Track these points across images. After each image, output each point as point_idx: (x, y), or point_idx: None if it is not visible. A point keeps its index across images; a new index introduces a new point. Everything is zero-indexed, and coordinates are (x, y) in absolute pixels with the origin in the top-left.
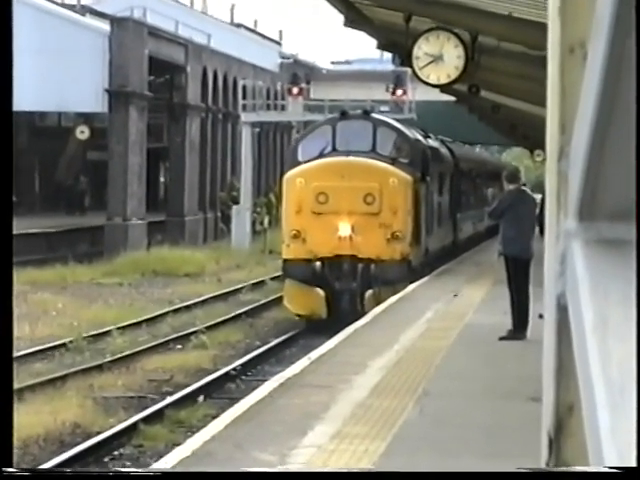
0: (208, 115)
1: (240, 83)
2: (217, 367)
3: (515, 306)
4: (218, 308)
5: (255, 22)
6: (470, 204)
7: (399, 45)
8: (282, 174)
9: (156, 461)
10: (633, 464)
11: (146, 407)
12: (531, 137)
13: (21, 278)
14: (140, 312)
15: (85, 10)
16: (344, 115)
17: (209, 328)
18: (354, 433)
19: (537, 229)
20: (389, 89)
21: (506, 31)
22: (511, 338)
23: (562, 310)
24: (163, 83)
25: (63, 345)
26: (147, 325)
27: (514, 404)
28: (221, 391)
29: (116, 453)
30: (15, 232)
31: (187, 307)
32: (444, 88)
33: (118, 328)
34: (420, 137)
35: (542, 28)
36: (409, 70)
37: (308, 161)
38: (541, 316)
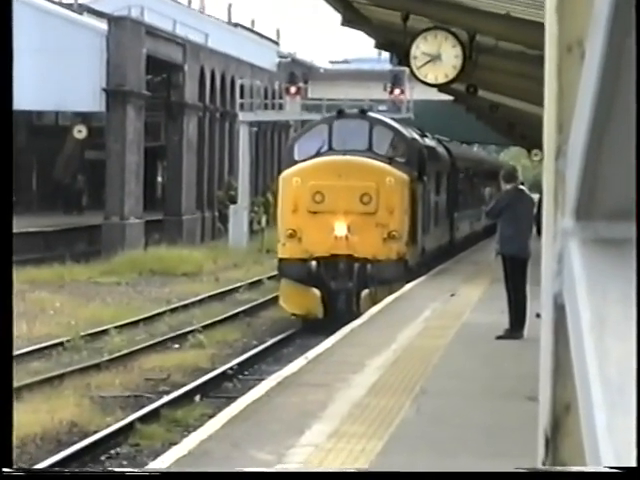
0: (206, 114)
1: (238, 82)
2: (214, 366)
3: (512, 305)
4: (215, 307)
5: (253, 21)
6: (467, 203)
7: (397, 44)
8: (279, 173)
9: (153, 460)
10: (633, 464)
11: (143, 406)
12: (529, 136)
13: (19, 277)
14: (138, 311)
15: (82, 9)
16: (341, 114)
17: (206, 327)
18: (351, 432)
19: (534, 228)
20: (387, 88)
21: (504, 30)
22: (508, 337)
23: (559, 309)
24: (161, 82)
25: (61, 344)
26: (144, 324)
27: (511, 403)
28: (218, 390)
29: (113, 452)
30: (13, 231)
31: (184, 306)
32: (442, 87)
33: (116, 327)
34: (417, 136)
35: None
36: (407, 69)
37: (304, 160)
38: (538, 315)
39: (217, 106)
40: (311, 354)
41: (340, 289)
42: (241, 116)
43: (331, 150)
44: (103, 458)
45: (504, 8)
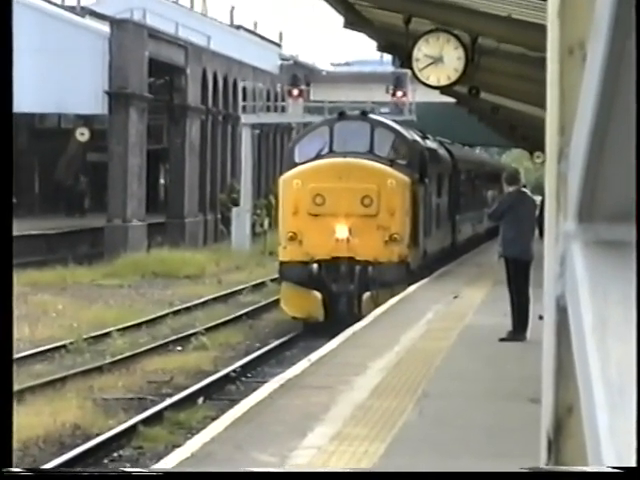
0: (208, 117)
1: (240, 85)
2: (217, 368)
3: (515, 307)
4: (218, 310)
5: (255, 24)
6: (469, 206)
7: (399, 47)
8: (281, 176)
9: (156, 463)
10: (633, 464)
11: (146, 408)
12: (531, 138)
13: (21, 279)
14: (140, 313)
15: (85, 12)
16: (342, 116)
17: (209, 329)
18: (354, 434)
19: (537, 231)
20: (389, 91)
21: (506, 33)
22: (511, 339)
23: (562, 311)
24: (163, 85)
25: (63, 346)
26: (147, 326)
27: (514, 405)
28: (221, 392)
29: (116, 455)
30: (15, 234)
31: (187, 308)
32: (444, 90)
33: (118, 329)
34: (418, 138)
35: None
36: (409, 72)
37: (305, 162)
38: (541, 317)
39: (219, 109)
40: (314, 356)
41: (341, 292)
42: (243, 118)
43: (332, 152)
44: (106, 461)
45: (506, 10)
